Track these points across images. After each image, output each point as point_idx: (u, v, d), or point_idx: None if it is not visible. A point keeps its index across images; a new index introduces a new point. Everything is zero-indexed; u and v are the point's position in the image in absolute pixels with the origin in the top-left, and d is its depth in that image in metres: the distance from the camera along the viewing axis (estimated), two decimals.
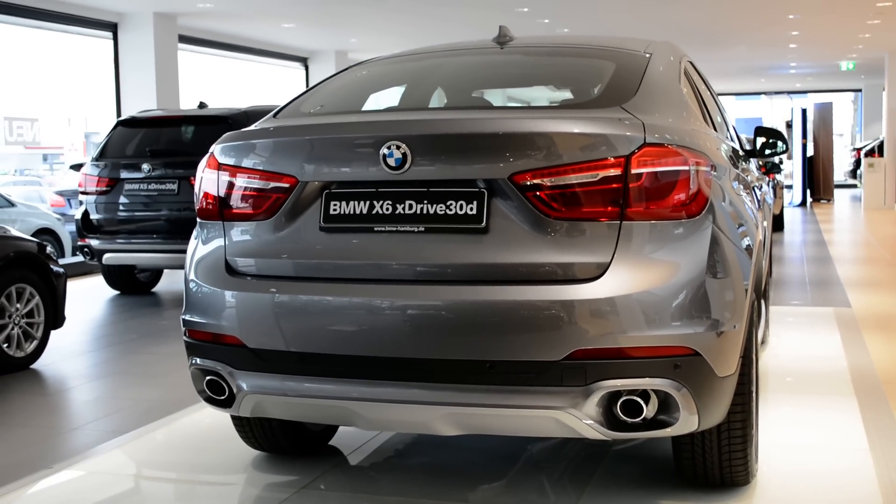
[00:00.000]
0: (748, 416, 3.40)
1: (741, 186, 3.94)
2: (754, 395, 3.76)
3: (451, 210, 3.01)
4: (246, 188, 3.27)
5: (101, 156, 9.30)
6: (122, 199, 9.08)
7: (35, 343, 6.36)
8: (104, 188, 9.16)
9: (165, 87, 13.59)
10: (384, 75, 3.99)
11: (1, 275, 6.11)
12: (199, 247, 3.42)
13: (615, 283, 2.89)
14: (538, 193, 2.94)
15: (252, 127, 3.39)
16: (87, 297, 9.61)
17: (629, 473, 3.84)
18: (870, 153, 24.04)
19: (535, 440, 4.23)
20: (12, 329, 6.19)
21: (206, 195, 3.37)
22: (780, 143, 5.52)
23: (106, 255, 9.10)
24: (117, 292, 9.81)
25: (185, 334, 3.41)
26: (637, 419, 2.96)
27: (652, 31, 16.42)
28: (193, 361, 3.37)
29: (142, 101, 12.95)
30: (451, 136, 3.05)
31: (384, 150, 3.01)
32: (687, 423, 3.03)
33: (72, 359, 6.61)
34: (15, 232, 6.56)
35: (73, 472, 4.07)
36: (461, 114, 3.38)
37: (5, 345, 6.13)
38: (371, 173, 3.06)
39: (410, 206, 3.04)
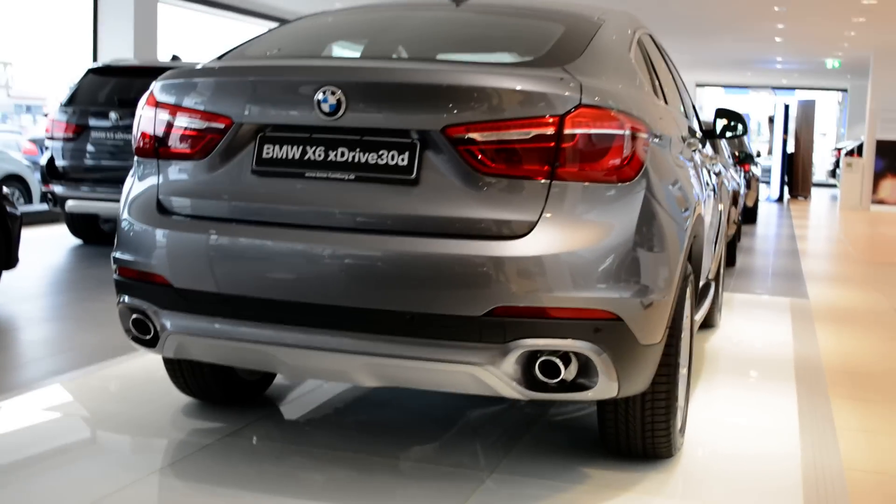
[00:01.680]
0: (673, 387, 3.41)
1: (690, 162, 3.93)
2: (681, 367, 3.78)
3: (382, 160, 2.99)
4: (181, 127, 3.24)
5: (70, 102, 9.22)
6: (89, 147, 9.01)
7: None
8: (71, 135, 9.08)
9: (143, 38, 13.46)
10: (333, 26, 3.96)
11: None
12: (135, 184, 3.39)
13: (540, 242, 2.88)
14: (470, 148, 2.92)
15: (193, 67, 3.36)
16: (50, 245, 9.54)
17: (559, 441, 3.85)
18: (850, 153, 24.15)
19: (476, 404, 4.24)
20: None
21: (143, 133, 3.34)
22: (739, 126, 5.52)
23: (69, 203, 9.03)
24: (80, 241, 9.74)
25: (114, 272, 3.38)
26: (555, 380, 2.96)
27: (636, 13, 16.37)
28: (121, 299, 3.34)
29: (118, 52, 12.83)
30: (386, 84, 3.03)
31: (319, 96, 2.98)
32: (606, 388, 3.03)
33: (24, 301, 6.56)
34: None
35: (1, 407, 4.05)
36: (397, 63, 3.36)
37: None
38: (305, 118, 3.04)
39: (342, 154, 3.02)
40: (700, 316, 4.65)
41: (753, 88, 32.17)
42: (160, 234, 3.21)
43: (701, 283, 5.04)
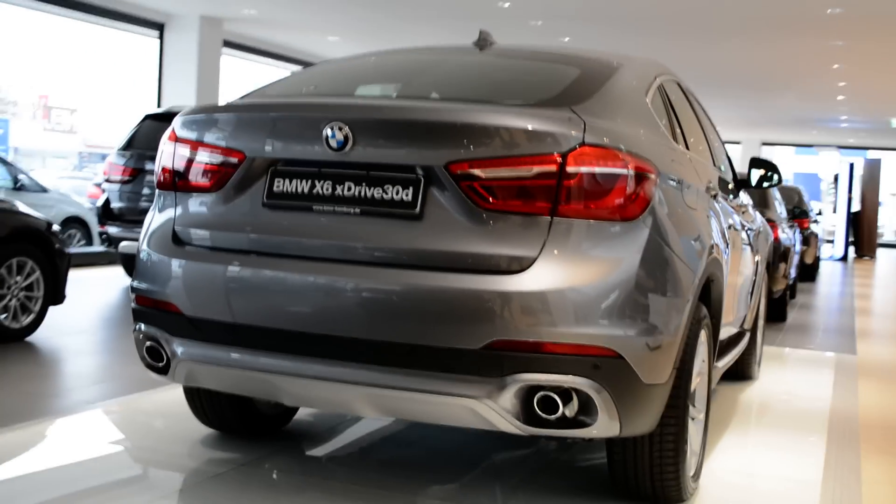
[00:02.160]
0: (681, 429, 3.38)
1: (709, 208, 3.92)
2: (697, 413, 3.75)
3: (387, 195, 3.04)
4: (198, 161, 3.34)
5: (128, 146, 9.49)
6: (144, 190, 9.25)
7: (32, 316, 6.48)
8: (127, 178, 9.34)
9: (205, 86, 13.82)
10: (355, 68, 4.05)
11: (2, 247, 6.25)
12: (155, 217, 3.49)
13: (539, 277, 2.90)
14: (472, 184, 2.97)
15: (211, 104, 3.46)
16: (104, 284, 9.78)
17: (574, 483, 3.81)
18: None
19: (501, 446, 4.23)
20: (10, 300, 6.32)
21: (164, 166, 3.44)
22: (775, 176, 5.50)
23: (122, 243, 9.24)
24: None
25: (132, 301, 3.48)
26: (554, 416, 2.95)
27: (695, 68, 16.39)
28: (137, 327, 3.43)
29: (182, 99, 13.19)
30: (392, 121, 3.10)
31: (327, 131, 3.05)
32: (607, 426, 3.01)
33: (71, 335, 6.72)
34: (23, 208, 6.71)
35: (26, 433, 4.15)
36: (402, 101, 3.43)
37: (2, 315, 6.26)
38: (314, 153, 3.11)
39: (349, 188, 3.09)
40: (725, 363, 4.60)
41: (820, 147, 31.76)
42: (173, 264, 3.30)
43: (731, 332, 5.00)
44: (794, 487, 3.99)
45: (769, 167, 5.52)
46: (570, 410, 2.97)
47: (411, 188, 3.03)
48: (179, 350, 3.29)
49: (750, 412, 5.41)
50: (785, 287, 9.80)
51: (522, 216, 2.96)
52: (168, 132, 3.48)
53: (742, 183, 5.52)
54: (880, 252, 27.46)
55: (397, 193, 3.04)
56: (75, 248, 12.38)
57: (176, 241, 3.35)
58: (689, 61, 15.80)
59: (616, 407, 2.98)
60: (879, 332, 9.90)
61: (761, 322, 6.48)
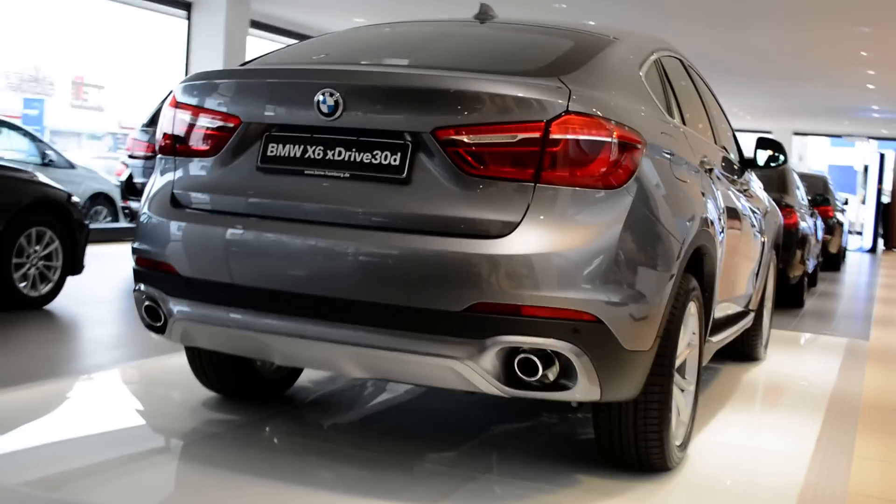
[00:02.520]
0: (666, 397, 3.43)
1: (704, 182, 3.96)
2: (687, 384, 3.81)
3: (376, 159, 3.12)
4: (196, 126, 3.43)
5: (151, 123, 9.62)
6: None
7: (50, 285, 6.62)
8: (150, 153, 9.46)
9: (232, 65, 13.93)
10: (355, 38, 4.12)
11: (22, 216, 6.39)
12: (156, 181, 3.59)
13: (521, 242, 2.96)
14: (458, 150, 3.04)
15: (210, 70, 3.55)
16: (127, 258, 9.90)
17: (565, 450, 3.90)
18: None
19: (502, 419, 4.31)
20: (29, 269, 6.46)
21: (164, 131, 3.54)
22: (780, 157, 5.52)
23: None
24: None
25: (133, 262, 3.58)
26: (534, 379, 3.02)
27: (723, 56, 16.32)
28: (137, 287, 3.53)
29: None
30: (381, 87, 3.18)
31: (318, 97, 3.13)
32: (587, 390, 3.08)
33: (87, 305, 6.86)
34: (44, 179, 6.85)
35: (38, 391, 4.28)
36: (392, 68, 3.50)
37: (22, 284, 6.40)
38: (306, 118, 3.19)
39: (339, 153, 3.16)
40: (721, 339, 4.64)
41: (855, 138, 31.43)
42: (171, 226, 3.39)
43: (733, 310, 5.04)
44: (782, 460, 4.04)
45: (776, 147, 5.53)
46: (551, 373, 3.04)
47: (399, 153, 3.10)
48: (175, 309, 3.39)
49: (749, 390, 5.44)
50: (802, 273, 9.80)
51: (506, 182, 3.02)
52: (169, 98, 3.57)
53: (748, 163, 5.54)
54: None
55: (385, 158, 3.11)
56: (100, 224, 12.56)
57: (174, 203, 3.45)
58: (717, 48, 15.75)
59: (596, 371, 3.05)
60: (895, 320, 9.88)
61: (769, 304, 6.51)
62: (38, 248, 6.54)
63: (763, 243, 5.83)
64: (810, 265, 11.10)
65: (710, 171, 4.13)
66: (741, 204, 5.02)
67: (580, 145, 3.04)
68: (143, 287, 3.50)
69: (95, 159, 20.50)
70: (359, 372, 3.24)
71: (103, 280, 8.11)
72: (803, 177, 15.90)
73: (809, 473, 3.86)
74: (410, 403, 4.48)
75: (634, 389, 3.28)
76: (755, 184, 5.86)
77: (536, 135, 3.01)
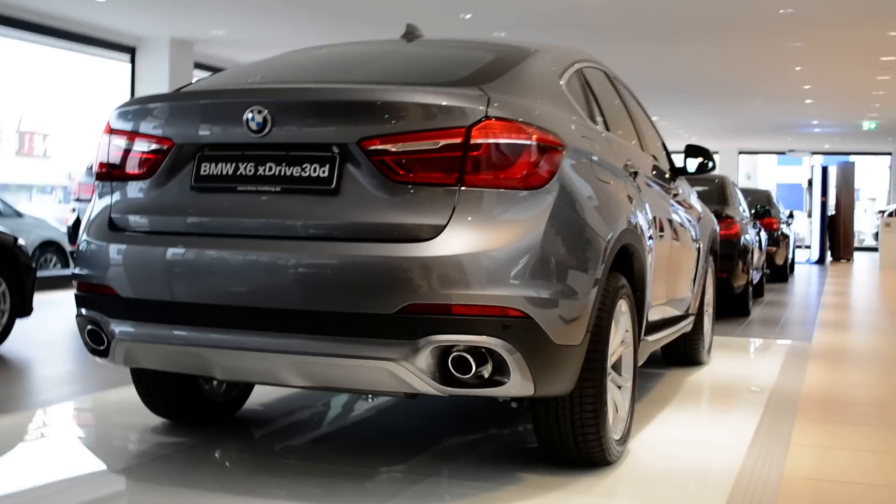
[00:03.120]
0: (600, 392, 3.54)
1: (628, 186, 4.09)
2: (624, 381, 3.93)
3: (305, 172, 3.22)
4: (131, 150, 3.52)
5: None
6: None
7: None
8: None
9: None
10: (284, 60, 4.23)
11: None
12: (94, 206, 3.66)
13: (447, 244, 3.07)
14: (384, 158, 3.15)
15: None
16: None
17: (512, 453, 3.99)
18: (891, 215, 23.96)
19: (454, 433, 4.40)
20: None
21: (100, 158, 3.62)
22: (709, 163, 5.70)
23: None
24: None
25: (75, 288, 3.64)
26: (468, 376, 3.12)
27: (663, 75, 16.65)
28: (79, 312, 3.59)
29: None
30: (307, 102, 3.29)
31: (247, 115, 3.24)
32: (521, 386, 3.18)
33: (36, 346, 6.86)
34: None
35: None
36: (317, 83, 3.61)
37: None
38: (236, 136, 3.30)
39: (270, 168, 3.26)
40: (657, 339, 4.78)
41: (796, 153, 32.05)
42: (109, 249, 3.47)
43: (670, 313, 5.18)
44: (720, 450, 4.16)
45: (705, 154, 5.72)
46: (485, 370, 3.14)
47: (327, 165, 3.21)
48: (117, 331, 3.45)
49: (692, 391, 5.57)
50: (746, 283, 10.00)
51: (431, 187, 3.14)
52: (104, 125, 3.65)
53: (679, 171, 5.72)
54: (859, 256, 27.73)
55: (315, 171, 3.21)
56: (48, 272, 12.52)
57: (112, 227, 3.53)
58: (652, 68, 16.07)
59: (528, 366, 3.15)
60: (839, 323, 10.09)
61: (710, 309, 6.67)
62: None
63: (699, 249, 6.00)
64: (755, 275, 11.32)
65: (635, 174, 4.28)
66: (672, 209, 5.18)
67: (501, 148, 3.17)
68: (84, 311, 3.56)
69: (48, 212, 20.39)
70: (299, 380, 3.32)
71: (53, 323, 8.10)
72: (748, 192, 16.29)
73: (747, 460, 3.98)
74: (362, 423, 4.56)
75: (568, 384, 3.39)
76: (688, 192, 6.03)
77: (458, 140, 3.13)
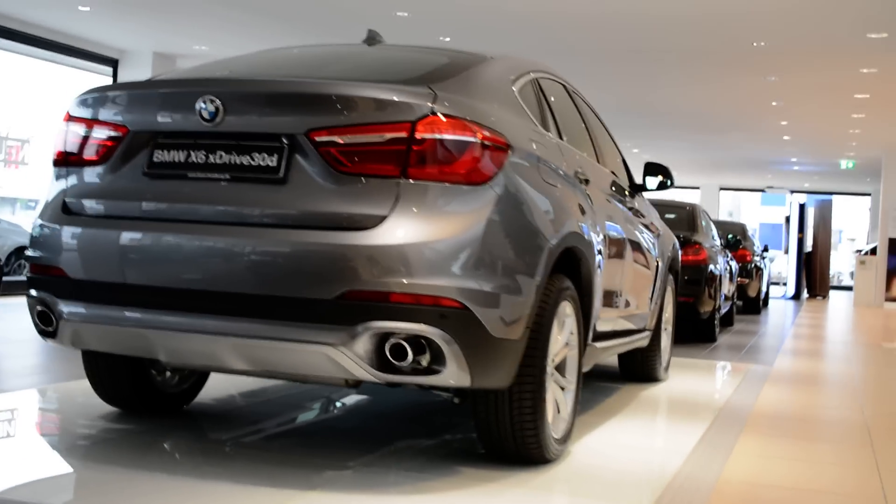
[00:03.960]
0: (539, 388, 3.61)
1: (578, 192, 4.17)
2: (569, 383, 4.00)
3: (254, 161, 3.31)
4: (87, 137, 3.60)
5: None
6: None
7: None
8: None
9: None
10: (251, 58, 4.33)
11: None
12: (49, 191, 3.73)
13: (388, 233, 3.16)
14: (330, 149, 3.24)
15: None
16: None
17: (458, 449, 4.05)
18: (867, 253, 24.21)
19: (406, 435, 4.45)
20: None
21: (57, 147, 3.69)
22: (668, 181, 5.83)
23: None
24: None
25: (28, 270, 3.70)
26: (404, 363, 3.19)
27: (638, 104, 16.84)
28: (29, 293, 3.65)
29: None
30: (258, 93, 3.39)
31: (200, 104, 3.33)
32: (457, 375, 3.25)
33: (3, 343, 6.90)
34: None
35: None
36: (269, 76, 3.71)
37: None
38: (189, 124, 3.38)
39: (221, 157, 3.35)
40: (607, 347, 4.86)
41: (774, 190, 32.36)
42: (61, 232, 3.54)
43: (623, 325, 5.27)
44: (661, 455, 4.24)
45: (664, 173, 5.84)
46: (423, 359, 3.21)
47: (276, 155, 3.29)
48: (65, 311, 3.51)
49: (644, 403, 5.65)
50: (713, 309, 10.10)
51: (376, 178, 3.23)
52: (63, 113, 3.73)
53: (638, 187, 5.83)
54: (836, 294, 27.96)
55: (264, 160, 3.30)
56: (22, 276, 12.51)
57: (65, 210, 3.60)
58: (633, 96, 16.26)
59: (465, 357, 3.23)
60: (804, 351, 10.21)
61: (669, 327, 6.76)
62: None
63: (657, 266, 6.10)
64: (724, 303, 11.44)
65: (587, 182, 4.37)
66: (629, 223, 5.28)
67: (445, 144, 3.26)
68: (34, 293, 3.62)
69: (26, 219, 20.33)
70: (241, 363, 3.38)
71: (23, 323, 8.12)
72: (723, 224, 16.48)
73: (685, 465, 4.06)
74: (317, 422, 4.62)
75: (506, 378, 3.46)
76: (648, 209, 6.13)
77: (403, 134, 3.22)
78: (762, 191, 33.70)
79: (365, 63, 4.06)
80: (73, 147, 3.64)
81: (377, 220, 3.18)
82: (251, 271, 3.23)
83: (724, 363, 8.33)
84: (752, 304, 16.28)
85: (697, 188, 34.86)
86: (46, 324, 3.61)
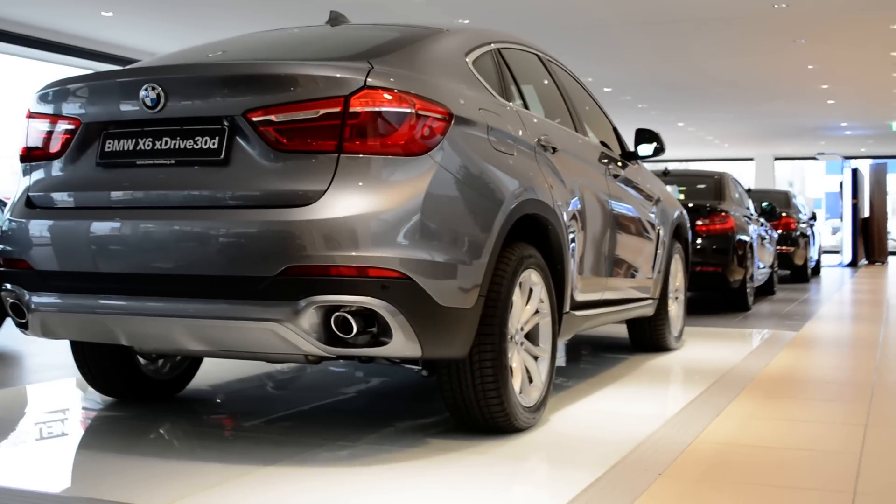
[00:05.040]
0: (500, 356, 3.62)
1: (540, 160, 4.14)
2: (542, 352, 4.01)
3: (197, 145, 3.38)
4: (45, 132, 3.70)
5: None
6: None
7: None
8: None
9: None
10: (204, 45, 4.39)
11: None
12: (17, 187, 3.84)
13: (326, 208, 3.20)
14: (268, 129, 3.29)
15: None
16: None
17: (437, 425, 4.08)
18: None
19: (409, 415, 4.50)
20: None
21: (23, 144, 3.80)
22: (661, 147, 5.80)
23: None
24: None
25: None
26: (351, 336, 3.23)
27: (671, 76, 16.65)
28: (3, 287, 3.77)
29: None
30: (196, 78, 3.45)
31: (142, 92, 3.40)
32: (405, 346, 3.28)
33: (27, 344, 7.08)
34: None
35: None
36: (205, 60, 3.77)
37: None
38: (134, 113, 3.46)
39: (166, 142, 3.42)
40: (591, 316, 4.85)
41: (824, 156, 31.69)
42: (25, 225, 3.64)
43: (620, 294, 5.25)
44: (640, 422, 4.19)
45: (657, 139, 5.81)
46: (369, 331, 3.25)
47: (217, 137, 3.35)
48: (33, 302, 3.62)
49: (645, 372, 5.61)
50: (743, 278, 9.98)
51: (313, 154, 3.27)
52: (25, 111, 3.84)
53: (630, 155, 5.80)
54: (895, 260, 27.34)
55: (206, 143, 3.36)
56: None
57: (29, 205, 3.70)
58: (666, 68, 16.08)
59: (412, 326, 3.26)
60: (838, 316, 10.05)
61: (681, 295, 6.71)
62: None
63: (659, 233, 6.05)
64: (760, 271, 11.29)
65: (553, 150, 4.36)
66: (615, 191, 5.25)
67: (380, 116, 3.29)
68: (7, 286, 3.73)
69: None
70: (196, 344, 3.46)
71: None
72: (767, 193, 16.23)
73: (662, 428, 4.03)
74: (312, 412, 4.68)
75: (461, 347, 3.48)
76: (645, 176, 6.09)
77: (337, 109, 3.26)
78: (814, 158, 33.05)
79: (315, 42, 4.10)
80: (34, 142, 3.75)
81: (316, 196, 3.22)
82: (198, 253, 3.29)
83: (750, 330, 8.24)
84: (800, 273, 16.02)
85: (751, 159, 34.38)
86: (20, 316, 3.72)
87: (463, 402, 3.70)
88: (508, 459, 3.51)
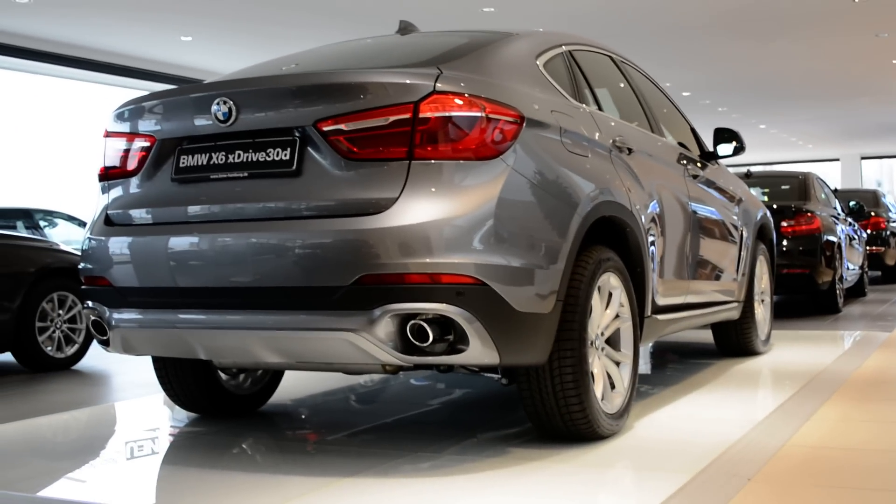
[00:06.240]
0: (580, 362, 3.54)
1: (617, 161, 4.08)
2: (623, 357, 3.93)
3: (269, 157, 3.39)
4: (122, 150, 3.75)
5: None
6: None
7: (76, 346, 7.03)
8: None
9: None
10: (276, 60, 4.42)
11: (44, 282, 6.83)
12: (96, 206, 3.90)
13: (399, 215, 3.17)
14: (338, 138, 3.28)
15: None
16: None
17: (516, 434, 4.03)
18: None
19: (488, 426, 4.46)
20: (54, 332, 6.88)
21: (101, 160, 3.87)
22: (741, 146, 5.68)
23: None
24: None
25: (81, 282, 3.88)
26: (427, 344, 3.19)
27: (751, 75, 16.35)
28: (85, 305, 3.82)
29: None
30: (266, 90, 3.46)
31: (214, 107, 3.42)
32: (482, 353, 3.23)
33: (113, 364, 7.22)
34: (63, 246, 7.30)
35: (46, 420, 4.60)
36: (275, 72, 3.77)
37: (48, 347, 6.82)
38: (207, 128, 3.49)
39: (238, 156, 3.44)
40: (675, 319, 4.74)
41: None
42: (105, 243, 3.70)
43: (695, 298, 5.12)
44: (728, 426, 4.06)
45: (736, 138, 5.69)
46: (446, 339, 3.20)
47: (289, 148, 3.36)
48: (114, 319, 3.66)
49: (733, 377, 5.47)
50: (832, 279, 9.72)
51: (384, 162, 3.25)
52: (102, 130, 3.90)
53: (709, 155, 5.68)
54: None
55: (277, 154, 3.37)
56: None
57: (108, 222, 3.76)
58: (745, 68, 15.79)
59: (489, 333, 3.20)
60: None
61: (767, 298, 6.54)
62: (61, 311, 6.95)
63: (742, 235, 5.91)
64: (850, 272, 10.98)
65: (629, 151, 4.27)
66: (696, 193, 5.14)
67: (450, 121, 3.25)
68: (89, 304, 3.79)
69: None
70: (273, 356, 3.46)
71: None
72: (854, 192, 15.81)
73: (751, 433, 3.91)
74: (400, 422, 4.66)
75: (540, 354, 3.42)
76: (726, 177, 5.96)
77: (407, 115, 3.24)
78: None
79: (384, 51, 4.10)
80: (111, 161, 3.80)
81: (388, 204, 3.20)
82: (273, 264, 3.29)
83: (841, 332, 8.00)
84: (891, 273, 15.56)
85: (837, 160, 33.61)
86: (102, 333, 3.77)
87: (544, 409, 3.63)
88: (592, 467, 3.43)
